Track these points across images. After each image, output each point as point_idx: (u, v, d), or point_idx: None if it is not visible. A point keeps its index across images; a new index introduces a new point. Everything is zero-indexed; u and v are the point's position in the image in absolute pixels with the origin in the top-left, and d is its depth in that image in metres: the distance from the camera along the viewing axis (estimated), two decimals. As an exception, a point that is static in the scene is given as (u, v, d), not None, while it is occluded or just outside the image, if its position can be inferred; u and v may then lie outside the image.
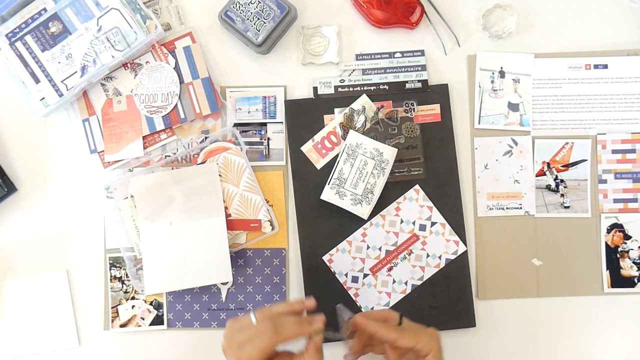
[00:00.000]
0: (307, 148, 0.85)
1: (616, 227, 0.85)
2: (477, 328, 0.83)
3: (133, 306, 0.84)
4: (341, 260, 0.84)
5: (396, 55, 0.86)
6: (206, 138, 0.85)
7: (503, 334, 0.84)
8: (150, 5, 0.87)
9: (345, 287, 0.83)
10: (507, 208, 0.85)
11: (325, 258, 0.84)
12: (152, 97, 0.85)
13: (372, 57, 0.86)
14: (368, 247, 0.84)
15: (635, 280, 0.84)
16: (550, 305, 0.84)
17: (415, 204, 0.84)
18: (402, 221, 0.84)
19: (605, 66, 0.86)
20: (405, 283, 0.83)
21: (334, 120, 0.85)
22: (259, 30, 0.83)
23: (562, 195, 0.85)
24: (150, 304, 0.84)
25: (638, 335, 0.84)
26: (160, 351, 0.85)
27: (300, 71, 0.87)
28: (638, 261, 0.84)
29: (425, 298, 0.83)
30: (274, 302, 0.84)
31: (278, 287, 0.85)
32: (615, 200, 0.85)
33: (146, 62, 0.85)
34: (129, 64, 0.85)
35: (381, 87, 0.85)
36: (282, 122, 0.86)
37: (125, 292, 0.85)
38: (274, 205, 0.85)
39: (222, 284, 0.85)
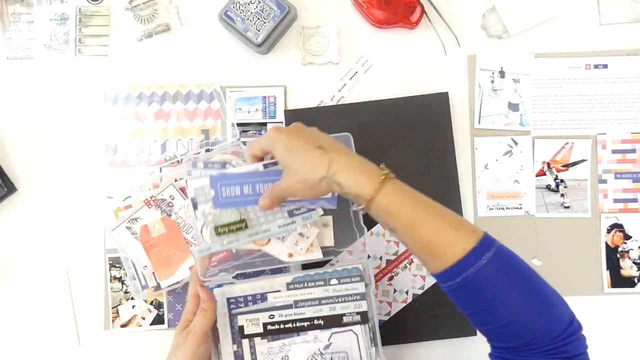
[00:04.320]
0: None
1: (616, 227, 0.85)
2: (477, 336, 0.83)
3: (133, 306, 0.84)
4: None
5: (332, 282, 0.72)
6: (208, 149, 0.84)
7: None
8: (150, 5, 0.87)
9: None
10: (507, 208, 0.85)
11: (327, 268, 0.84)
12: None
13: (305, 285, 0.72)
14: (369, 257, 0.84)
15: (635, 280, 0.84)
16: (550, 305, 0.84)
17: (416, 214, 0.84)
18: (402, 231, 0.84)
19: (605, 66, 0.86)
20: (406, 292, 0.83)
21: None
22: (259, 30, 0.83)
23: (562, 195, 0.85)
24: (151, 303, 0.84)
25: (638, 335, 0.84)
26: (161, 351, 0.84)
27: (300, 71, 0.87)
28: (638, 261, 0.84)
29: (426, 307, 0.83)
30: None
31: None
32: (615, 200, 0.85)
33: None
34: (152, 201, 0.83)
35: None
36: (282, 122, 0.86)
37: (126, 292, 0.84)
38: (274, 205, 0.85)
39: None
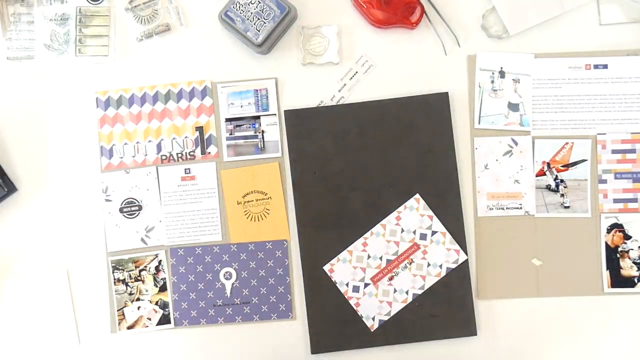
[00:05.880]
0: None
1: (616, 227, 0.85)
2: (477, 336, 0.83)
3: (139, 307, 0.84)
4: (342, 269, 0.84)
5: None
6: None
7: (503, 337, 0.84)
8: (150, 6, 0.87)
9: (346, 296, 0.83)
10: (507, 208, 0.85)
11: (326, 268, 0.84)
12: None
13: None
14: (369, 257, 0.84)
15: (635, 280, 0.84)
16: (550, 305, 0.85)
17: (415, 213, 0.84)
18: (402, 230, 0.84)
19: (605, 66, 0.86)
20: (406, 292, 0.83)
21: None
22: (259, 31, 0.83)
23: (562, 195, 0.85)
24: (156, 303, 0.84)
25: (638, 335, 0.84)
26: (169, 350, 0.85)
27: (301, 71, 0.87)
28: (638, 261, 0.85)
29: (426, 307, 0.83)
30: (279, 295, 0.85)
31: (282, 278, 0.85)
32: (615, 200, 0.85)
33: None
34: None
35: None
36: (275, 114, 0.86)
37: (130, 294, 0.84)
38: (272, 198, 0.85)
39: (225, 279, 0.85)
